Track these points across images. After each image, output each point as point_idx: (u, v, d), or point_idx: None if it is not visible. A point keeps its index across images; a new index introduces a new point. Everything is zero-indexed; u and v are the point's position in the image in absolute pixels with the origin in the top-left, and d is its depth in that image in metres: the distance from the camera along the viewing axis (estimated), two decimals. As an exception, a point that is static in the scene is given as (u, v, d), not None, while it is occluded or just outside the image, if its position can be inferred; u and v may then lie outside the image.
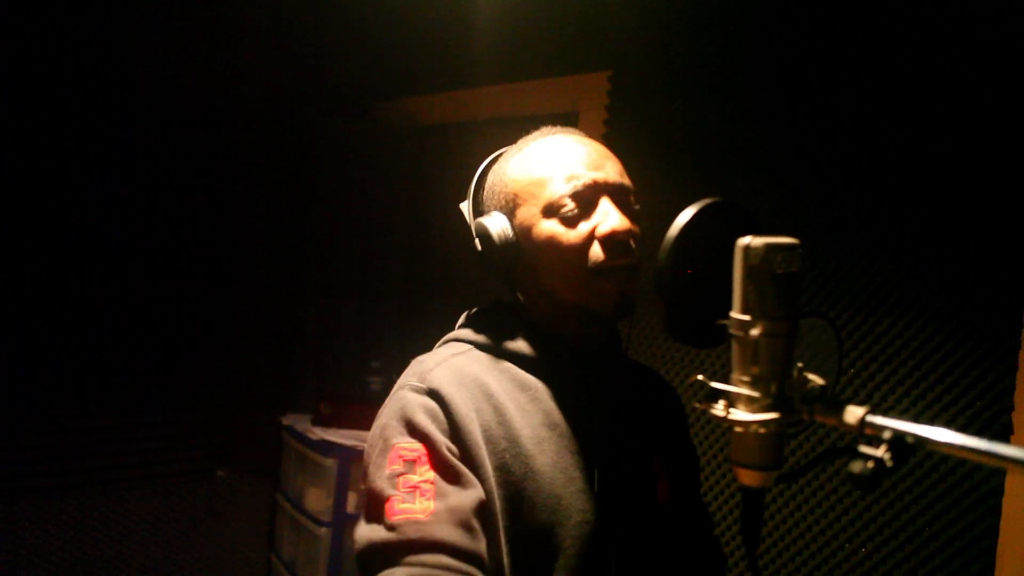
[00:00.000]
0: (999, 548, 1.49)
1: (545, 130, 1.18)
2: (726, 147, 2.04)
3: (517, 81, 2.76)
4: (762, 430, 0.71)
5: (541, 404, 1.07)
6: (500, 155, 1.20)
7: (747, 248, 0.71)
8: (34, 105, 2.62)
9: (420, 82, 3.16)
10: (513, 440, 1.01)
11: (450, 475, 0.96)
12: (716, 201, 0.82)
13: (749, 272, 0.71)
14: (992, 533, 1.50)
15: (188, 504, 3.03)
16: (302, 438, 2.91)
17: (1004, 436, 1.50)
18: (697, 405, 0.76)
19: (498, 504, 0.98)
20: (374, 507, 0.95)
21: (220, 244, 3.08)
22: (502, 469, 0.99)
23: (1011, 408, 1.50)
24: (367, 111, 3.38)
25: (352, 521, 2.79)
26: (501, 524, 0.98)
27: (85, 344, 2.76)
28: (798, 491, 1.80)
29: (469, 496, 0.95)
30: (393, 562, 0.89)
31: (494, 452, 0.99)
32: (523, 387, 1.07)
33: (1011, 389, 1.50)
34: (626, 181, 1.11)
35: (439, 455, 0.96)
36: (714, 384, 0.74)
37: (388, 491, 0.94)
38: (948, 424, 1.56)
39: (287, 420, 3.07)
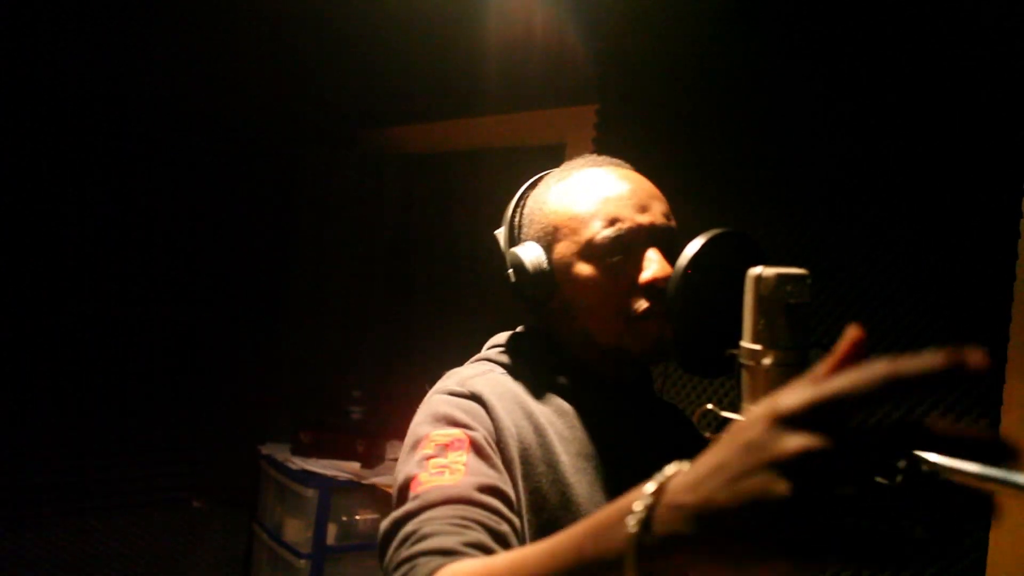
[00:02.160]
0: (988, 561, 1.51)
1: (590, 159, 1.12)
2: (711, 180, 2.07)
3: (504, 113, 2.79)
4: (773, 459, 0.71)
5: (579, 433, 1.02)
6: (541, 178, 1.14)
7: (759, 278, 0.72)
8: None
9: (406, 112, 3.18)
10: (552, 465, 0.96)
11: (488, 462, 0.89)
12: (723, 232, 0.84)
13: (761, 302, 0.72)
14: (982, 546, 1.52)
15: (163, 534, 2.97)
16: (281, 467, 2.87)
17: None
18: (708, 435, 0.76)
19: (527, 532, 0.91)
20: (400, 492, 0.86)
21: (199, 270, 3.05)
22: (536, 494, 0.93)
23: (996, 441, 1.53)
24: (353, 139, 3.39)
25: (332, 553, 2.75)
26: None
27: (57, 372, 2.71)
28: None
29: (507, 486, 0.88)
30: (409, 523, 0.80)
31: (530, 475, 0.94)
32: (561, 413, 1.02)
33: (996, 423, 1.53)
34: (671, 223, 1.07)
35: (477, 443, 0.90)
36: (724, 413, 0.74)
37: (414, 471, 0.86)
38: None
39: (266, 449, 3.03)
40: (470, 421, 0.92)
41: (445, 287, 3.04)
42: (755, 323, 0.72)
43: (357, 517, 2.81)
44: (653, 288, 0.98)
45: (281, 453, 2.94)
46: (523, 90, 2.68)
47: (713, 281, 0.80)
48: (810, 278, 0.73)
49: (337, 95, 3.31)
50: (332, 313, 3.26)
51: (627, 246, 1.00)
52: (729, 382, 1.88)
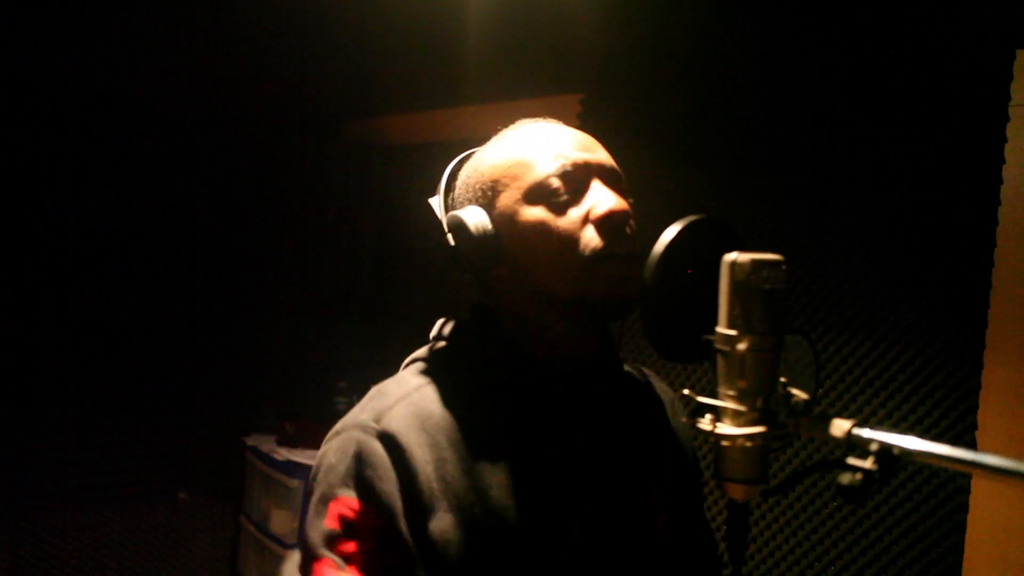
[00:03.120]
0: (967, 543, 1.54)
1: (526, 120, 1.06)
2: (694, 169, 2.07)
3: (488, 103, 2.78)
4: (748, 444, 0.71)
5: (519, 442, 0.94)
6: (472, 153, 1.09)
7: (734, 264, 0.72)
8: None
9: (391, 102, 3.16)
10: (481, 492, 0.90)
11: (386, 548, 0.87)
12: (700, 218, 0.84)
13: (736, 288, 0.72)
14: (960, 528, 1.55)
15: (148, 527, 2.96)
16: (267, 459, 2.87)
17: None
18: (684, 420, 0.76)
19: (461, 567, 0.88)
20: (306, 560, 0.88)
21: (183, 261, 3.03)
22: (471, 526, 0.88)
23: (974, 426, 1.55)
24: (337, 130, 3.37)
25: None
26: None
27: (38, 367, 2.69)
28: (787, 506, 1.82)
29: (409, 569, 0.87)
30: None
31: (460, 507, 0.88)
32: (498, 423, 0.95)
33: (975, 408, 1.55)
34: (618, 168, 1.01)
35: (379, 524, 0.87)
36: (700, 399, 0.75)
37: (321, 551, 0.87)
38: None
39: (251, 440, 3.03)
40: (376, 484, 0.88)
41: (429, 277, 3.04)
42: (731, 309, 0.73)
43: (343, 508, 2.80)
44: (610, 223, 0.93)
45: (267, 444, 2.94)
46: (508, 79, 2.68)
47: (689, 267, 0.80)
48: (786, 263, 0.74)
49: (322, 85, 3.28)
50: (317, 303, 3.25)
51: (574, 182, 0.95)
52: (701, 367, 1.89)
